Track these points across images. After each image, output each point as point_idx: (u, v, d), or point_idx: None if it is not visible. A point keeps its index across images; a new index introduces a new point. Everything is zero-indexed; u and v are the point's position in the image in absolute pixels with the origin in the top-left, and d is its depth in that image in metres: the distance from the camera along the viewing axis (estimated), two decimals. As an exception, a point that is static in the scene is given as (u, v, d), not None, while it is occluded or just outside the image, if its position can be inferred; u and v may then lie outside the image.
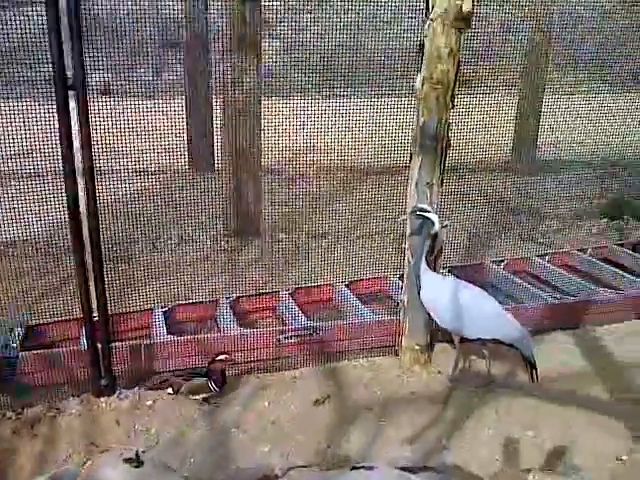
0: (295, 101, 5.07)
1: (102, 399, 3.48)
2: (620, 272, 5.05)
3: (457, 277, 4.77)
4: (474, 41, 5.10)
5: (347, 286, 4.62)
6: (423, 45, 3.36)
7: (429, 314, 3.64)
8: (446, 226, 3.67)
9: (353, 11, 4.53)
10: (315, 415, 3.43)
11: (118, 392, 3.53)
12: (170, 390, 3.53)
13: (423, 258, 3.53)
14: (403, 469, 2.30)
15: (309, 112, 4.79)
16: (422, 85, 3.39)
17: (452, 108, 3.47)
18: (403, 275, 3.86)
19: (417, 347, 3.84)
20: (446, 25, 3.25)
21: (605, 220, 6.63)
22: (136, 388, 3.58)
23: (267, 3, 5.15)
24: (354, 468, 2.10)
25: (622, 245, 5.63)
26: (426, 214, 3.46)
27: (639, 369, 3.88)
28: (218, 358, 3.52)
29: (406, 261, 3.75)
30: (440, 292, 3.55)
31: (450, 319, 3.54)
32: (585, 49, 6.30)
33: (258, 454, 3.13)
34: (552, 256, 5.34)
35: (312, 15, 4.50)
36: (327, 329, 3.96)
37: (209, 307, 4.30)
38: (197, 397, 3.49)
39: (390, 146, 4.82)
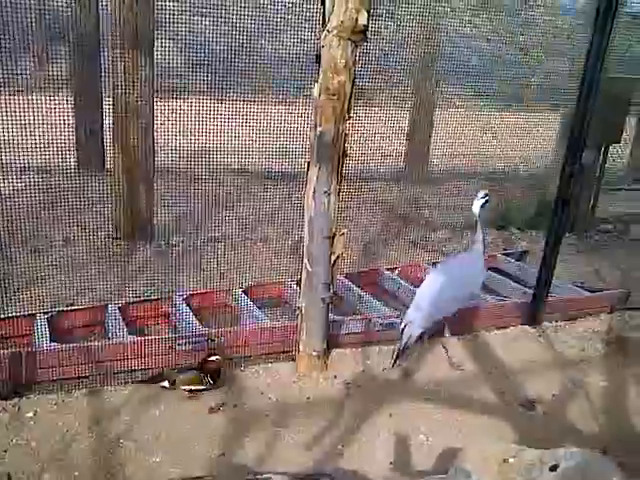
0: (190, 102, 4.96)
1: (-25, 412, 3.22)
2: (507, 280, 5.31)
3: (353, 283, 4.86)
4: (369, 54, 5.22)
5: (244, 292, 4.55)
6: (320, 56, 3.35)
7: None
8: (343, 234, 3.71)
9: (248, 17, 4.46)
10: (209, 423, 3.33)
11: (-6, 404, 3.28)
12: (166, 383, 3.52)
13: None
14: (298, 477, 2.25)
15: (205, 114, 4.70)
16: (319, 95, 3.39)
17: (348, 119, 3.49)
18: (300, 280, 3.84)
19: (314, 353, 3.83)
20: (342, 38, 3.24)
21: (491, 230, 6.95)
22: (16, 399, 3.33)
23: (161, 3, 5.00)
24: (247, 480, 2.04)
25: (508, 255, 5.92)
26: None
27: (525, 373, 4.10)
28: (210, 359, 3.58)
29: (303, 267, 3.73)
30: None
31: None
32: (470, 67, 6.61)
33: (149, 465, 2.99)
34: (443, 264, 5.51)
35: (207, 18, 4.44)
36: (223, 335, 3.87)
37: (97, 313, 4.08)
38: (188, 388, 3.52)
39: (286, 152, 4.81)
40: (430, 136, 7.85)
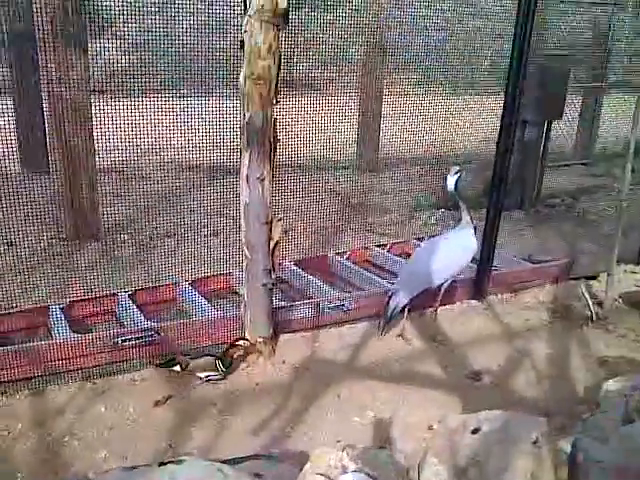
0: (133, 100, 4.91)
1: None
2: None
3: (303, 269, 4.89)
4: (315, 44, 5.23)
5: (191, 284, 4.53)
6: (244, 42, 3.36)
7: None
8: (280, 220, 3.71)
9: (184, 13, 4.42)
10: (156, 416, 3.32)
11: None
12: (178, 368, 3.59)
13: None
14: (218, 461, 2.26)
15: (147, 111, 4.66)
16: (245, 81, 3.40)
17: (276, 103, 3.50)
18: (244, 269, 3.84)
19: (260, 339, 3.83)
20: (263, 22, 3.26)
21: (442, 211, 7.04)
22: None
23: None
24: (162, 464, 2.04)
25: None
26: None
27: (472, 346, 4.19)
28: (237, 343, 3.68)
29: (244, 254, 3.73)
30: None
31: None
32: (417, 53, 6.68)
33: (95, 461, 2.97)
34: (391, 246, 5.57)
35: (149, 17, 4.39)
36: (168, 329, 3.85)
37: (39, 314, 4.02)
38: (202, 375, 3.59)
39: (230, 145, 4.79)
40: (379, 123, 7.95)
